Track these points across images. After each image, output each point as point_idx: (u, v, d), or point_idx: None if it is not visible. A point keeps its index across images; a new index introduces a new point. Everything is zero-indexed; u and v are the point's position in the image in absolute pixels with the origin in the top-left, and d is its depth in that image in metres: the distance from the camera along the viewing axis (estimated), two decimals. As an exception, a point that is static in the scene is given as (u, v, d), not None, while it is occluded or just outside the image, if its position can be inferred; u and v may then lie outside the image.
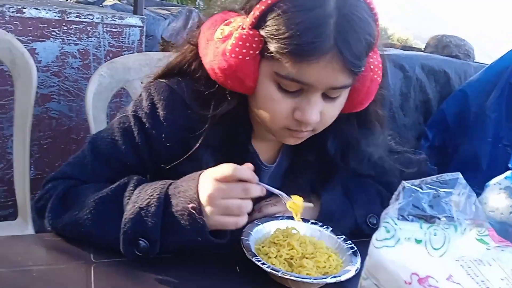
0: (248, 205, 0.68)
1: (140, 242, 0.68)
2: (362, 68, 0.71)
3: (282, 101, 0.73)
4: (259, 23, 0.70)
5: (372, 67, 0.75)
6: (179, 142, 0.79)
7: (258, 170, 0.87)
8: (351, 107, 0.80)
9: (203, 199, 0.67)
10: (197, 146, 0.78)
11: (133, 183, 0.73)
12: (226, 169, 0.66)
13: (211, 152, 0.80)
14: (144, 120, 0.80)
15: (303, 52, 0.66)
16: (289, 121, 0.74)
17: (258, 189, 0.68)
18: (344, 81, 0.71)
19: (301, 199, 0.74)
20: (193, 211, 0.66)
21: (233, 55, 0.71)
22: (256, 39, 0.70)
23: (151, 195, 0.69)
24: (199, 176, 0.69)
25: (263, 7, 0.69)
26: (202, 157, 0.79)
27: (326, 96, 0.73)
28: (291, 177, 0.90)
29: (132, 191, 0.72)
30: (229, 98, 0.77)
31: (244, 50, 0.71)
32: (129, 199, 0.71)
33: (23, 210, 1.35)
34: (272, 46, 0.68)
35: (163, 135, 0.79)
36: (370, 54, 0.74)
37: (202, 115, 0.78)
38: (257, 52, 0.71)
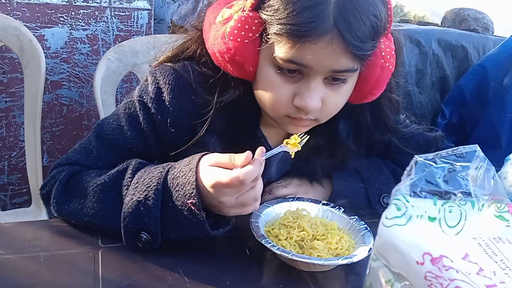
0: (260, 188, 0.66)
1: (142, 235, 0.67)
2: (367, 52, 0.67)
3: (282, 87, 0.70)
4: (259, 5, 0.68)
5: (383, 54, 0.71)
6: (186, 127, 0.77)
7: None
8: (360, 96, 0.76)
9: (216, 204, 0.65)
10: (203, 131, 0.76)
11: (131, 169, 0.71)
12: (234, 178, 0.61)
13: (218, 138, 0.78)
14: (150, 105, 0.77)
15: (300, 33, 0.63)
16: (290, 108, 0.71)
17: (262, 166, 0.65)
18: (347, 64, 0.66)
19: (296, 137, 0.71)
20: (193, 207, 0.64)
21: (231, 38, 0.68)
22: (256, 21, 0.68)
23: (148, 186, 0.67)
24: (196, 166, 0.66)
25: None
26: (209, 142, 0.77)
27: (329, 83, 0.70)
28: (302, 161, 0.87)
29: (130, 179, 0.70)
30: (234, 85, 0.75)
31: (243, 33, 0.68)
32: (127, 188, 0.69)
33: (36, 197, 1.36)
34: (271, 28, 0.66)
35: (168, 120, 0.77)
36: (381, 40, 0.70)
37: (208, 100, 0.76)
38: (256, 35, 0.68)
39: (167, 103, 0.77)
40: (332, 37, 0.63)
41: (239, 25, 0.68)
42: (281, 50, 0.66)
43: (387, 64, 0.72)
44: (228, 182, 0.62)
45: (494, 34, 2.69)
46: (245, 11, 0.69)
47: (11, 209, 1.43)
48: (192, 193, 0.64)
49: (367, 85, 0.73)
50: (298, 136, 0.71)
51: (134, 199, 0.67)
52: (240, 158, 0.63)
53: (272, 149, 0.86)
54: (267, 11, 0.66)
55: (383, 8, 0.67)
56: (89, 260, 0.66)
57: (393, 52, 0.73)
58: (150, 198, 0.66)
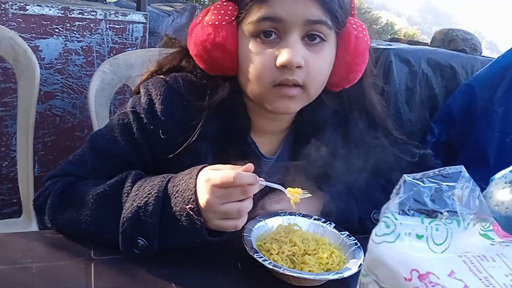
0: (248, 206, 0.67)
1: (139, 241, 0.67)
2: (334, 4, 0.74)
3: (263, 53, 0.75)
4: None
5: (354, 26, 0.78)
6: (178, 136, 0.79)
7: (258, 162, 0.86)
8: (346, 68, 0.79)
9: (202, 203, 0.66)
10: (194, 137, 0.78)
11: (131, 178, 0.73)
12: (226, 175, 0.64)
13: (210, 144, 0.80)
14: (143, 115, 0.80)
15: None
16: (274, 71, 0.74)
17: (257, 188, 0.67)
18: (319, 14, 0.73)
19: (299, 190, 0.74)
20: (191, 212, 0.66)
21: (210, 23, 0.76)
22: (230, 7, 0.76)
23: (149, 193, 0.68)
24: (197, 174, 0.68)
25: None
26: (200, 148, 0.79)
27: (308, 43, 0.75)
28: (292, 168, 0.89)
29: (130, 187, 0.71)
30: (221, 85, 0.80)
31: (219, 17, 0.76)
32: (127, 196, 0.70)
33: (27, 208, 1.35)
34: (242, 2, 0.74)
35: (161, 130, 0.79)
36: (350, 19, 0.78)
37: (199, 106, 0.79)
38: (233, 18, 0.76)
39: (159, 113, 0.79)
40: None
41: (215, 11, 0.76)
42: (254, 13, 0.73)
43: (360, 35, 0.78)
44: (219, 183, 0.64)
45: (482, 55, 2.76)
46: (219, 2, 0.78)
47: (1, 219, 1.41)
48: (191, 198, 0.66)
49: (348, 54, 0.78)
50: (302, 191, 0.74)
51: (135, 204, 0.68)
52: (241, 168, 0.66)
53: (267, 158, 0.88)
54: None
55: None
56: (82, 272, 0.66)
57: (364, 27, 0.80)
58: (150, 204, 0.67)
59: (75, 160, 0.81)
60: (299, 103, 0.79)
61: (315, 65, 0.75)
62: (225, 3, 0.77)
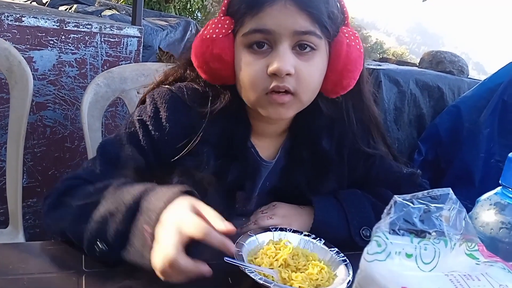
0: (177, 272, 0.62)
1: (99, 244, 0.67)
2: (323, 15, 0.76)
3: (256, 63, 0.78)
4: (228, 10, 0.81)
5: (347, 35, 0.81)
6: (182, 141, 0.83)
7: (257, 166, 0.91)
8: (338, 75, 0.82)
9: (157, 237, 0.63)
10: (196, 141, 0.82)
11: (116, 183, 0.73)
12: (199, 229, 0.61)
13: (211, 147, 0.83)
14: (148, 123, 0.84)
15: (255, 2, 0.76)
16: (265, 79, 0.77)
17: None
18: (306, 25, 0.76)
19: None
20: (146, 235, 0.64)
21: (208, 36, 0.80)
22: (227, 22, 0.80)
23: (123, 201, 0.67)
24: (173, 197, 0.66)
25: None
26: (202, 152, 0.83)
27: (298, 52, 0.78)
28: (287, 173, 0.92)
29: (113, 189, 0.71)
30: (222, 93, 0.84)
31: (217, 30, 0.80)
32: (104, 198, 0.70)
33: (14, 218, 1.34)
34: (237, 16, 0.79)
35: (166, 136, 0.83)
36: (342, 28, 0.81)
37: (201, 112, 0.83)
38: (229, 32, 0.80)
39: (164, 120, 0.83)
40: (284, 1, 0.75)
41: (213, 25, 0.81)
42: (246, 26, 0.78)
43: (352, 43, 0.81)
44: (190, 235, 0.60)
45: (468, 77, 2.82)
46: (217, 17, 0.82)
47: (-13, 230, 1.40)
48: (153, 220, 0.64)
49: (339, 62, 0.81)
50: None
51: (106, 207, 0.68)
52: (223, 223, 0.62)
53: (266, 162, 0.91)
54: (233, 7, 0.80)
55: None
56: (73, 284, 0.66)
57: (357, 35, 0.83)
58: (119, 213, 0.66)
59: (87, 167, 0.84)
60: (291, 109, 0.81)
61: (306, 72, 0.78)
62: (222, 18, 0.81)
